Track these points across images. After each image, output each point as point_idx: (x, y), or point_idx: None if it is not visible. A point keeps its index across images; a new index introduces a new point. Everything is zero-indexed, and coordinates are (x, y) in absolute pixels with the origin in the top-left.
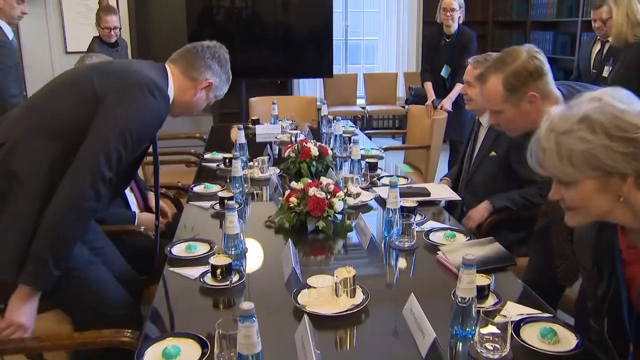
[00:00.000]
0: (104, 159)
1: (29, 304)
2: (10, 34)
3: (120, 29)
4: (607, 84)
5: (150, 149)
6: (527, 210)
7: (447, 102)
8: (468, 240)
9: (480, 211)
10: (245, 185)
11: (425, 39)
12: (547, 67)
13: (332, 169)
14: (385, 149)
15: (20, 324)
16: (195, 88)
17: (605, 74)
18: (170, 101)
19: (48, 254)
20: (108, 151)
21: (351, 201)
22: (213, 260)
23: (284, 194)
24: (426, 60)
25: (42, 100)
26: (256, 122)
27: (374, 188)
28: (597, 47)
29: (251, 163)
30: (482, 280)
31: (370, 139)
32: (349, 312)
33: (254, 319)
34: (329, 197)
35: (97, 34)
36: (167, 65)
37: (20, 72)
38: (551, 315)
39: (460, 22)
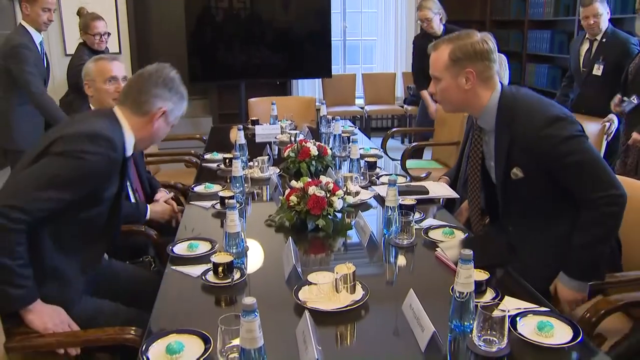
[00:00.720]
0: (23, 194)
1: (32, 314)
2: (37, 39)
3: (109, 34)
4: (600, 82)
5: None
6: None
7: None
8: (466, 237)
9: (461, 211)
10: (245, 185)
11: (414, 45)
12: (494, 55)
13: (332, 169)
14: (413, 147)
15: (48, 329)
16: (151, 121)
17: (595, 72)
18: (132, 141)
19: None
20: (37, 191)
21: (350, 199)
22: (215, 258)
23: (284, 193)
24: (417, 67)
25: None
26: (256, 122)
27: (373, 187)
28: (586, 45)
29: (251, 163)
30: (480, 275)
31: (370, 139)
32: (349, 307)
33: (256, 313)
34: (328, 195)
35: (82, 41)
36: (115, 111)
37: (43, 72)
38: (548, 309)
39: (443, 22)
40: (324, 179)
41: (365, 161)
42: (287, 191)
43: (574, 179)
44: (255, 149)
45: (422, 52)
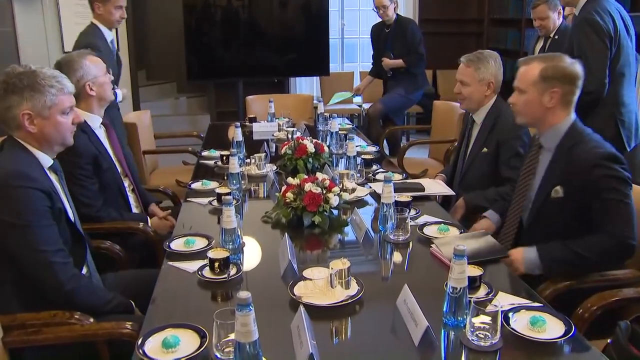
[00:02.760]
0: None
1: None
2: (109, 37)
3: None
4: None
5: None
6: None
7: (387, 62)
8: (461, 233)
9: (456, 209)
10: (242, 182)
11: (371, 31)
12: (580, 82)
13: (328, 166)
14: (411, 144)
15: None
16: (23, 127)
17: None
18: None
19: None
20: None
21: (347, 196)
22: (211, 254)
23: (280, 190)
24: (374, 53)
25: None
26: (253, 120)
27: (369, 183)
28: (540, 43)
29: (248, 160)
30: (474, 271)
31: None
32: (344, 302)
33: (250, 307)
34: (324, 192)
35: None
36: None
37: (114, 67)
38: (541, 304)
39: (396, 11)
40: (320, 175)
41: (361, 158)
42: (283, 188)
43: (605, 213)
44: (252, 146)
45: (377, 38)
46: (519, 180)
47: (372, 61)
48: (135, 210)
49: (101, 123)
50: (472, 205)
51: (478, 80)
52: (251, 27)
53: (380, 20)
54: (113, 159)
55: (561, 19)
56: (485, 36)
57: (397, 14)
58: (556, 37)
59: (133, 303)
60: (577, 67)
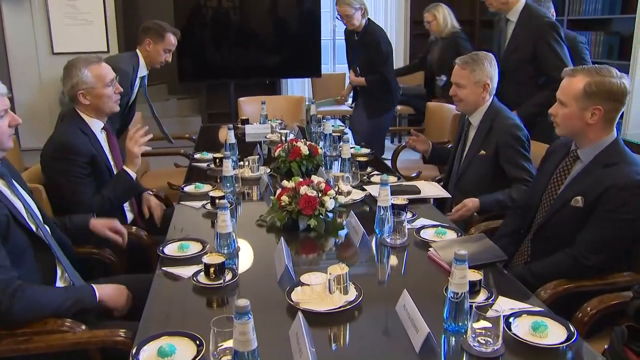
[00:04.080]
0: None
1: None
2: (142, 73)
3: None
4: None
5: None
6: (507, 208)
7: (352, 79)
8: (459, 236)
9: (467, 205)
10: (236, 185)
11: (344, 34)
12: (625, 99)
13: (323, 168)
14: (402, 147)
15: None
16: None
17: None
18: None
19: None
20: None
21: (342, 199)
22: (206, 259)
23: (274, 193)
24: (347, 60)
25: None
26: (245, 122)
27: (365, 186)
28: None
29: (241, 163)
30: (474, 275)
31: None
32: (342, 308)
33: (249, 315)
34: (320, 195)
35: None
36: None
37: (127, 101)
38: (542, 309)
39: (366, 16)
40: (315, 178)
41: (356, 160)
42: (278, 191)
43: (599, 229)
44: (245, 148)
45: (347, 44)
46: (546, 189)
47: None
48: (128, 215)
49: (102, 128)
50: (484, 210)
51: (474, 82)
52: (243, 28)
53: None
54: (111, 162)
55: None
56: (477, 37)
57: (369, 19)
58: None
59: (96, 288)
60: (625, 83)
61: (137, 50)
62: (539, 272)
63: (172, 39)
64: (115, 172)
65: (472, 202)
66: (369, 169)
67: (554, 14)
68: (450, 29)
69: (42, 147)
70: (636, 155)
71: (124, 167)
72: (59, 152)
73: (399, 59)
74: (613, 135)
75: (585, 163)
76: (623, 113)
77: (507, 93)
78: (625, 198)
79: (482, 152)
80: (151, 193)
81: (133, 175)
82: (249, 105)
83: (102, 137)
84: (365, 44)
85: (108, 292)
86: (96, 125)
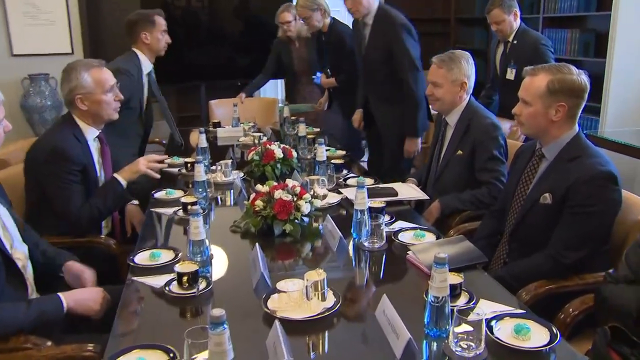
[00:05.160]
0: None
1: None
2: (147, 69)
3: None
4: (515, 87)
5: None
6: (478, 210)
7: (323, 81)
8: (438, 239)
9: (431, 212)
10: (208, 190)
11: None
12: (585, 95)
13: (297, 171)
14: None
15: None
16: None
17: (509, 76)
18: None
19: None
20: None
21: (318, 203)
22: (178, 267)
23: (248, 197)
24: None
25: None
26: (217, 125)
27: (341, 189)
28: (501, 49)
29: (214, 167)
30: (454, 278)
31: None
32: (320, 315)
33: (225, 325)
34: (295, 199)
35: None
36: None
37: (136, 104)
38: (524, 311)
39: (327, 17)
40: (290, 182)
41: (332, 163)
42: (252, 195)
43: (570, 225)
44: (217, 152)
45: (318, 47)
46: (516, 190)
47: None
48: (103, 229)
49: (96, 137)
50: (447, 208)
51: (451, 81)
52: (213, 27)
53: None
54: (99, 173)
55: (518, 21)
56: (452, 36)
57: (334, 19)
58: (515, 41)
59: (63, 297)
60: (584, 80)
61: (134, 49)
62: (519, 274)
63: (161, 19)
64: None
65: (434, 207)
66: (344, 172)
67: (518, 13)
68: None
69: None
70: (598, 148)
71: (116, 175)
72: (52, 157)
73: None
74: (575, 130)
75: (550, 160)
76: (600, 110)
77: (371, 92)
78: (590, 191)
79: (459, 152)
80: (136, 203)
81: (124, 183)
82: (220, 107)
83: (94, 146)
84: (332, 44)
85: (78, 297)
86: (90, 134)
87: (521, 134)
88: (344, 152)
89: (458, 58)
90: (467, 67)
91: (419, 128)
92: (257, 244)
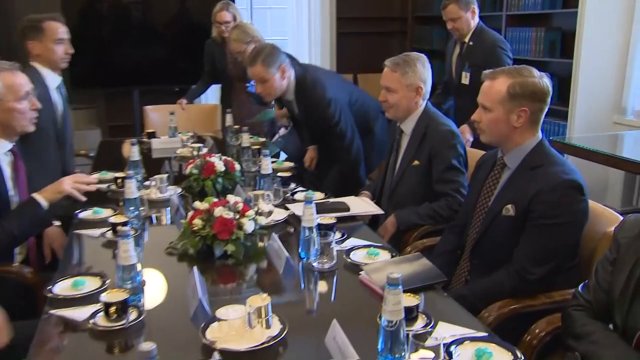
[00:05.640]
0: None
1: None
2: (54, 83)
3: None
4: (470, 92)
5: None
6: (437, 225)
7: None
8: (393, 257)
9: (386, 227)
10: (141, 208)
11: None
12: (548, 99)
13: (240, 186)
14: None
15: None
16: None
17: (464, 80)
18: None
19: None
20: None
21: (263, 220)
22: (105, 296)
23: (186, 216)
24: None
25: None
26: (152, 135)
27: (288, 205)
28: (457, 49)
29: (148, 182)
30: (410, 300)
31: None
32: (265, 345)
33: None
34: (237, 217)
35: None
36: None
37: (48, 125)
38: (486, 334)
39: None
40: (231, 198)
41: (278, 176)
42: (190, 213)
43: (534, 238)
44: (152, 166)
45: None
46: (477, 202)
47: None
48: (17, 256)
49: (9, 150)
50: (403, 223)
51: (405, 85)
52: (147, 26)
53: None
54: (10, 192)
55: (477, 19)
56: (410, 35)
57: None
58: (471, 42)
59: None
60: (546, 83)
61: (31, 62)
62: (481, 293)
63: (54, 26)
64: (15, 204)
65: (390, 223)
66: (292, 185)
67: (476, 11)
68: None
69: None
70: (565, 155)
71: (35, 195)
72: None
73: (326, 60)
74: (538, 137)
75: (513, 169)
76: (567, 114)
77: None
78: (554, 201)
79: (416, 162)
80: (57, 224)
81: (44, 204)
82: (156, 115)
83: (5, 161)
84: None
85: None
86: (1, 147)
87: (472, 141)
88: (291, 164)
89: (413, 61)
90: (423, 70)
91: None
92: (195, 267)
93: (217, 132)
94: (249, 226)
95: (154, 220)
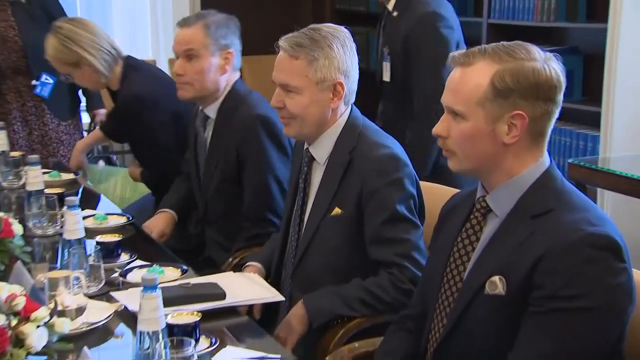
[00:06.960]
0: None
1: None
2: None
3: None
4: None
5: None
6: (375, 315)
7: None
8: None
9: (290, 325)
10: None
11: None
12: (559, 95)
13: (24, 263)
14: None
15: None
16: None
17: (385, 76)
18: None
19: None
20: None
21: (66, 326)
22: None
23: None
24: None
25: None
26: None
27: (114, 293)
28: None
29: None
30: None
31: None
32: None
33: None
34: (15, 323)
35: None
36: None
37: None
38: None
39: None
40: (5, 287)
41: (96, 242)
42: None
43: (542, 334)
44: None
45: None
46: (444, 274)
47: None
48: None
49: None
50: (318, 316)
51: (315, 82)
52: None
53: None
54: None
55: None
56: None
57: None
58: (394, 13)
59: None
60: (556, 70)
61: None
62: None
63: None
64: None
65: (295, 317)
66: (123, 257)
67: None
68: None
69: None
70: (586, 193)
71: None
72: None
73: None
74: (544, 162)
75: (502, 217)
76: (600, 121)
77: None
78: (573, 270)
79: (337, 209)
80: None
81: None
82: None
83: None
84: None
85: None
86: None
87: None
88: (124, 219)
89: (326, 39)
90: (343, 53)
91: None
92: None
93: None
94: (37, 339)
95: None
